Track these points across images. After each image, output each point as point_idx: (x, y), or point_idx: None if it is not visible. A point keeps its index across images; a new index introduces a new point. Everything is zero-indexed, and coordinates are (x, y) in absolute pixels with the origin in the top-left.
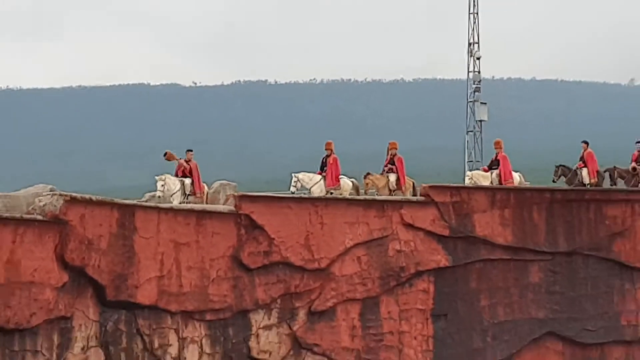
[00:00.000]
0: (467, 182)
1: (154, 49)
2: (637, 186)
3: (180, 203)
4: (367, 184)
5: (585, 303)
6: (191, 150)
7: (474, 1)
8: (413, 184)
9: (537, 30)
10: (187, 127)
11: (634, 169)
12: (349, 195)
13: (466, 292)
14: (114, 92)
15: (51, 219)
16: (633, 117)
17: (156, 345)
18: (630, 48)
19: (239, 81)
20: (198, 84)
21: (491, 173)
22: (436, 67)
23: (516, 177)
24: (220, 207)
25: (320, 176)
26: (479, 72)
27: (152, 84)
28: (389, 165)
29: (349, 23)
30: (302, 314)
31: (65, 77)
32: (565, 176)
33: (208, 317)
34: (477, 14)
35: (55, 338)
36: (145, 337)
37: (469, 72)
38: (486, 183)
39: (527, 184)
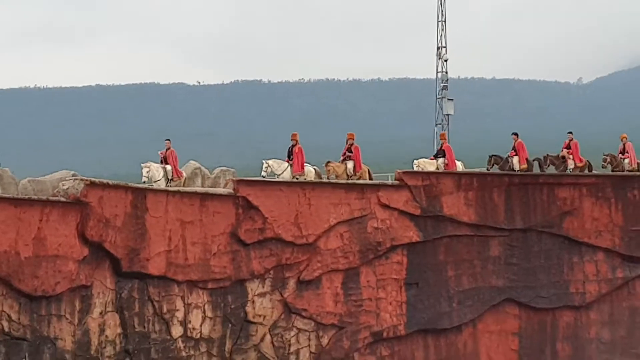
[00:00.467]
0: (415, 169)
1: (163, 53)
2: (565, 171)
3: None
4: (328, 170)
5: (539, 273)
6: (168, 140)
7: (442, 10)
8: (368, 170)
9: (497, 35)
10: (192, 120)
11: (563, 156)
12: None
13: (435, 264)
14: (128, 90)
15: (73, 200)
16: (580, 112)
17: (165, 310)
18: (580, 50)
19: (238, 80)
20: (202, 83)
21: (436, 161)
22: (409, 67)
23: (459, 165)
24: (220, 190)
25: (287, 164)
26: (446, 72)
27: (161, 82)
28: (347, 154)
29: (332, 30)
30: (292, 283)
31: (86, 77)
32: (497, 164)
33: (210, 285)
34: (444, 21)
35: (77, 304)
36: (155, 303)
37: (437, 72)
38: (432, 169)
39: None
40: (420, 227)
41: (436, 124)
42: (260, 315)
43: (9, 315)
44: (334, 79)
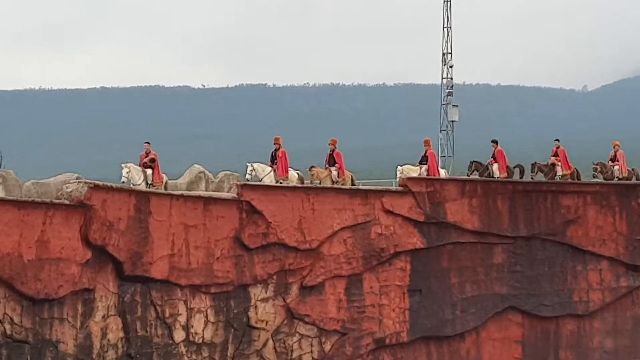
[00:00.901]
0: (398, 175)
1: (168, 56)
2: (554, 179)
3: None
4: (312, 175)
5: (542, 281)
6: (148, 143)
7: (447, 17)
8: (352, 176)
9: (503, 42)
10: (197, 123)
11: (553, 164)
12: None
13: (438, 271)
14: (133, 92)
15: (77, 203)
16: (585, 119)
17: (167, 314)
18: (585, 58)
19: (242, 84)
20: (206, 86)
21: (420, 168)
22: (414, 73)
23: (442, 172)
24: (224, 195)
25: (270, 168)
26: (451, 78)
27: (166, 85)
28: (331, 162)
29: (338, 34)
30: (295, 289)
31: (90, 80)
32: (477, 171)
33: (213, 290)
34: (450, 27)
35: (80, 307)
36: (158, 307)
37: (442, 78)
38: (416, 175)
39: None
40: (424, 233)
41: (441, 130)
42: (262, 321)
43: (11, 318)
44: (339, 83)
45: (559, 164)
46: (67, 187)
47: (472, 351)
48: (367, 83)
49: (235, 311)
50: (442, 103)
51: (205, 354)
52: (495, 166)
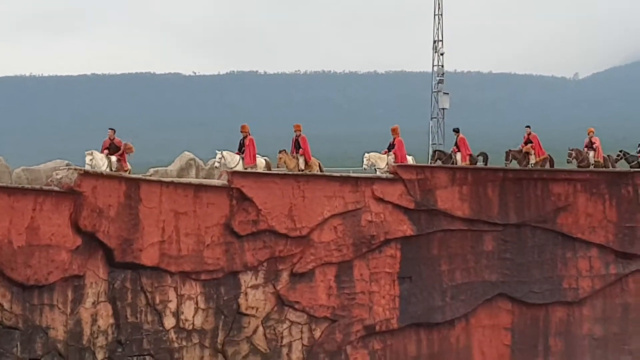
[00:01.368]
0: (364, 162)
1: (159, 43)
2: (528, 166)
3: None
4: (280, 158)
5: (532, 269)
6: (112, 129)
7: (438, 4)
8: (319, 163)
9: (494, 29)
10: (187, 111)
11: (527, 151)
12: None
13: (428, 258)
14: (123, 80)
15: (67, 190)
16: (576, 106)
17: (157, 301)
18: (577, 46)
19: (234, 71)
20: (197, 73)
21: (387, 155)
22: (405, 61)
23: (409, 159)
24: (214, 182)
25: (239, 156)
26: (442, 66)
27: (157, 72)
28: (296, 147)
29: (329, 22)
30: (285, 275)
31: (81, 66)
32: (440, 159)
33: (203, 277)
34: (441, 15)
35: (70, 294)
36: (148, 294)
37: (433, 65)
38: (383, 163)
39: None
40: (414, 221)
41: (431, 118)
42: (253, 307)
43: (1, 305)
44: (330, 70)
45: (533, 150)
46: (57, 174)
47: (462, 338)
48: (358, 71)
49: (225, 298)
50: (433, 91)
51: (196, 340)
52: (458, 155)
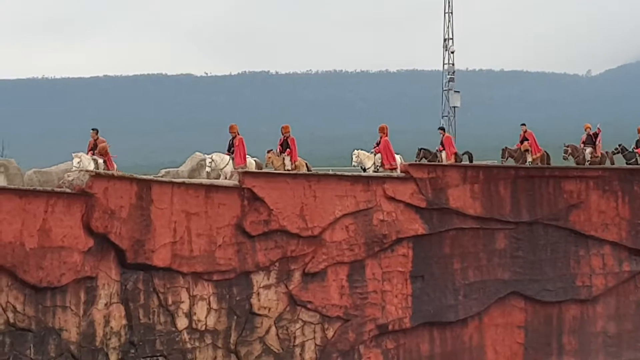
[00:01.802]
0: (354, 159)
1: (171, 44)
2: (525, 163)
3: None
4: (268, 157)
5: (545, 266)
6: (94, 130)
7: (448, 2)
8: (306, 164)
9: (505, 26)
10: (200, 111)
11: (526, 149)
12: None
13: (441, 257)
14: (135, 81)
15: (78, 191)
16: (589, 103)
17: (170, 302)
18: (589, 42)
19: (245, 72)
20: (209, 74)
21: (374, 154)
22: (416, 59)
23: (397, 158)
24: (225, 182)
25: (229, 157)
26: (453, 64)
27: (169, 73)
28: (284, 147)
29: (340, 21)
30: (297, 275)
31: (93, 68)
32: (426, 158)
33: (215, 277)
34: (451, 13)
35: (82, 295)
36: (161, 295)
37: (444, 64)
38: (369, 162)
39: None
40: (426, 219)
41: (443, 116)
42: (265, 308)
43: (14, 307)
44: (341, 70)
45: (530, 148)
46: (68, 176)
47: (475, 337)
48: (369, 70)
49: (237, 298)
50: (444, 89)
51: (209, 340)
52: (443, 153)
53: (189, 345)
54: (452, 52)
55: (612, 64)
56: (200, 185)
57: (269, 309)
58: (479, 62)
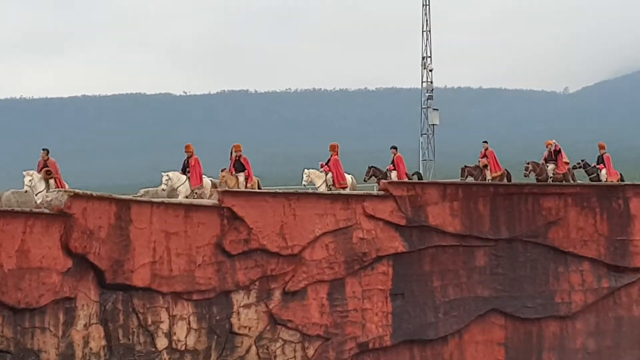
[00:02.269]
0: (304, 178)
1: (149, 63)
2: (484, 181)
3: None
4: (222, 176)
5: (524, 283)
6: (44, 150)
7: (426, 20)
8: (258, 181)
9: (484, 45)
10: (179, 130)
11: (485, 165)
12: (210, 192)
13: (420, 274)
14: (114, 100)
15: (57, 212)
16: (567, 120)
17: (149, 322)
18: (566, 60)
19: (224, 90)
20: (188, 93)
21: (325, 174)
22: (395, 77)
23: (348, 178)
24: (205, 201)
25: (185, 177)
26: (431, 82)
27: (148, 93)
28: (237, 167)
29: (320, 40)
30: (277, 294)
31: (72, 88)
32: (376, 177)
33: (195, 297)
34: (429, 31)
35: (61, 316)
36: (140, 315)
37: (422, 82)
38: (320, 181)
39: (357, 186)
40: (406, 237)
41: (422, 134)
42: (245, 327)
43: None
44: (320, 88)
45: (489, 164)
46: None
47: (455, 354)
48: (348, 88)
49: (217, 318)
50: (423, 107)
51: None
52: (394, 173)
53: None
54: (431, 70)
55: (589, 81)
56: (180, 204)
57: (249, 328)
58: (457, 80)
